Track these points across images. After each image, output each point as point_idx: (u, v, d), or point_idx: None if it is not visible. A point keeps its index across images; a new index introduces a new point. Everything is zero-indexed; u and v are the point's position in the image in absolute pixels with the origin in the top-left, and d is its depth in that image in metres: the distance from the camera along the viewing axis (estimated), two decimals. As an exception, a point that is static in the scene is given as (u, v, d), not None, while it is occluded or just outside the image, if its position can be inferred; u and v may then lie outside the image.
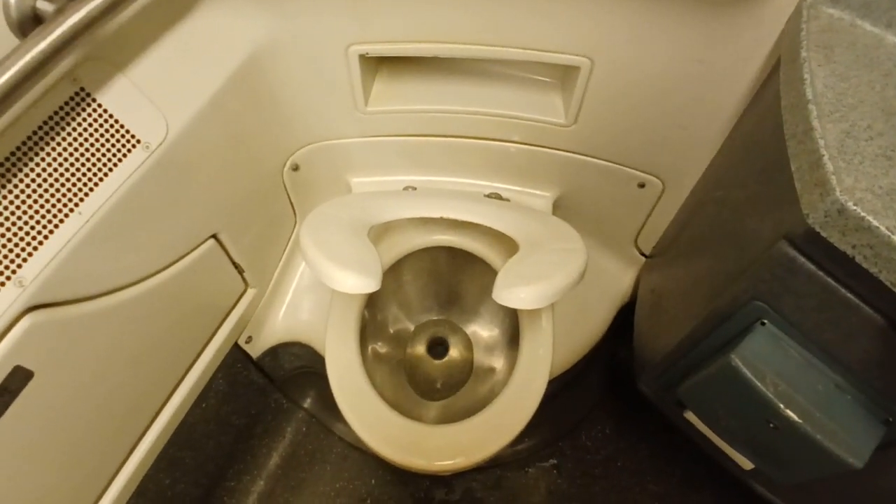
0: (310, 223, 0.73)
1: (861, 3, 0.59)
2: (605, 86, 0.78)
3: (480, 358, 0.99)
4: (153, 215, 0.66)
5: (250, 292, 0.93)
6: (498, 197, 0.94)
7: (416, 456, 0.73)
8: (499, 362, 0.95)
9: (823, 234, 0.48)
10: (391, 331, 1.01)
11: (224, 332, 0.87)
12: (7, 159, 0.53)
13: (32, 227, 0.54)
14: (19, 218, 0.53)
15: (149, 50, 0.63)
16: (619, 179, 0.91)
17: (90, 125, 0.58)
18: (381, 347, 0.97)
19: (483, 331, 1.01)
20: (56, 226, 0.55)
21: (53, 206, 0.55)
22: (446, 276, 0.99)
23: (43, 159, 0.55)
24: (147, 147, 0.62)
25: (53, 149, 0.56)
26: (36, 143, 0.55)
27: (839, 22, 0.60)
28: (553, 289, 0.64)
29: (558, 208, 0.99)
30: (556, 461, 1.09)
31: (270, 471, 1.06)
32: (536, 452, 1.09)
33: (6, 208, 0.52)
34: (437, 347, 1.01)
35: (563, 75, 0.86)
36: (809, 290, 0.55)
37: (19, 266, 0.53)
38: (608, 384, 1.15)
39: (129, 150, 0.61)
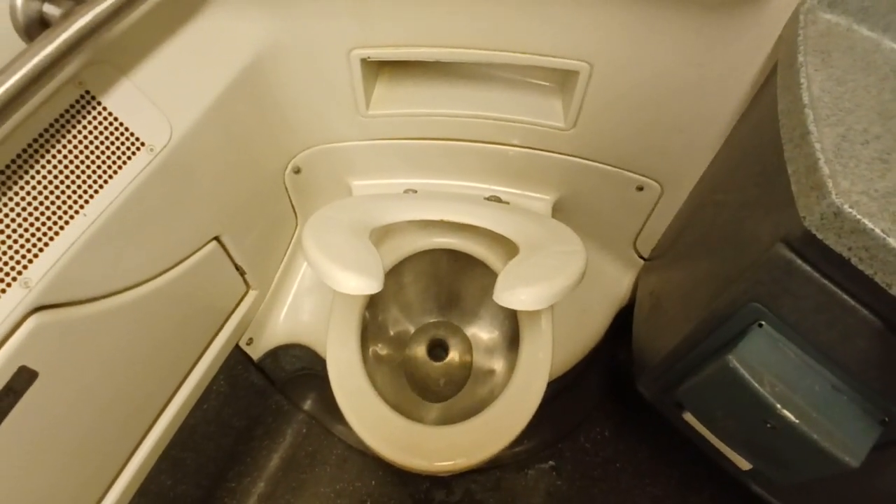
0: (312, 225, 0.74)
1: (858, 7, 0.59)
2: (604, 90, 0.78)
3: (480, 360, 0.99)
4: (157, 217, 0.67)
5: (252, 294, 0.93)
6: (498, 200, 0.95)
7: (417, 457, 0.73)
8: (499, 364, 0.96)
9: (820, 236, 0.48)
10: (392, 333, 1.01)
11: (225, 334, 0.88)
12: (13, 161, 0.53)
13: (38, 229, 0.54)
14: (25, 220, 0.54)
15: (153, 54, 0.64)
16: (617, 183, 0.92)
17: (95, 128, 0.59)
18: (382, 349, 0.98)
19: (483, 333, 1.01)
20: (62, 227, 0.56)
21: (59, 207, 0.56)
22: (447, 279, 1.00)
23: (49, 161, 0.56)
24: (151, 150, 0.63)
25: (59, 151, 0.57)
26: (42, 146, 0.55)
27: (836, 27, 0.61)
28: (553, 290, 0.65)
29: (558, 211, 1.00)
30: (555, 463, 1.09)
31: (271, 472, 1.06)
32: (536, 454, 1.09)
33: (12, 210, 0.53)
34: (438, 349, 1.02)
35: (563, 79, 0.86)
36: (807, 293, 0.55)
37: (25, 267, 0.53)
38: (607, 386, 1.16)
39: (133, 153, 0.62)
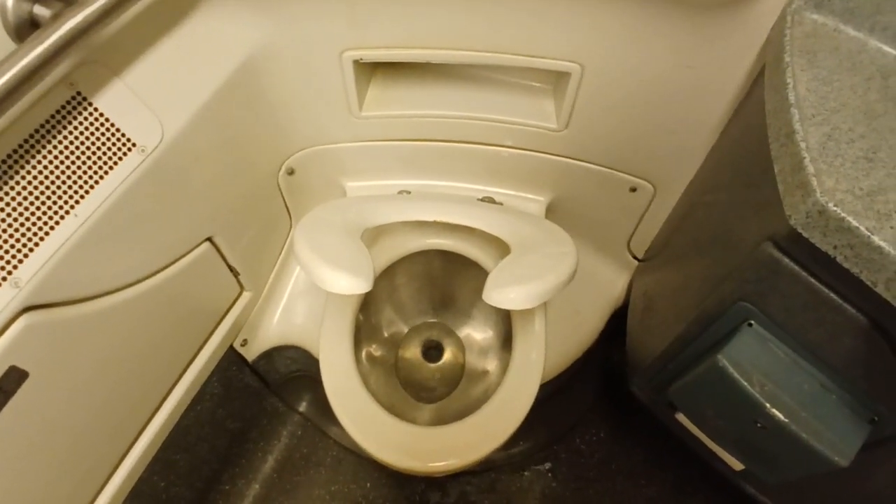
0: (304, 226, 0.74)
1: (844, 8, 0.60)
2: (596, 91, 0.79)
3: (474, 361, 0.99)
4: (149, 218, 0.67)
5: (245, 296, 0.93)
6: (491, 201, 0.95)
7: (410, 457, 0.73)
8: (492, 365, 0.96)
9: (805, 234, 0.49)
10: (385, 334, 1.01)
11: (219, 336, 0.88)
12: (4, 162, 0.53)
13: (29, 229, 0.55)
14: (16, 220, 0.54)
15: (145, 54, 0.64)
16: (610, 184, 0.92)
17: (86, 129, 0.59)
18: (376, 350, 0.98)
19: (476, 333, 1.01)
20: (52, 227, 0.56)
21: (50, 208, 0.56)
22: (440, 280, 1.00)
23: (40, 162, 0.56)
24: (143, 151, 0.63)
25: (50, 152, 0.57)
26: (33, 146, 0.56)
27: (823, 27, 0.61)
28: (542, 289, 0.65)
29: (551, 212, 1.00)
30: (550, 464, 1.09)
31: (265, 474, 1.06)
32: (531, 456, 1.09)
33: (3, 210, 0.53)
34: (432, 351, 1.02)
35: (555, 81, 0.87)
36: (794, 291, 0.55)
37: (15, 267, 0.54)
38: (602, 388, 1.16)
39: (124, 154, 0.62)
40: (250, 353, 1.02)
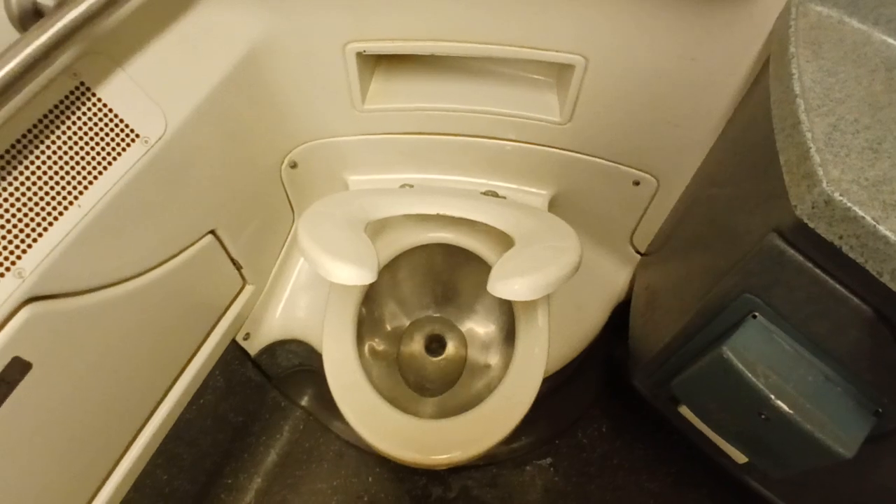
0: (307, 218, 0.74)
1: (848, 1, 0.60)
2: (599, 84, 0.79)
3: (476, 355, 0.99)
4: (151, 210, 0.67)
5: (248, 289, 0.93)
6: (494, 194, 0.95)
7: (413, 450, 0.73)
8: (494, 359, 0.96)
9: (811, 224, 0.49)
10: (388, 328, 1.01)
11: (221, 329, 0.88)
12: (7, 152, 0.53)
13: (32, 219, 0.55)
14: (19, 210, 0.54)
15: (148, 45, 0.64)
16: (614, 177, 0.92)
17: (89, 119, 0.59)
18: (378, 344, 0.98)
19: (479, 327, 1.01)
20: (56, 218, 0.56)
21: (53, 198, 0.56)
22: (443, 273, 1.00)
23: (43, 152, 0.56)
24: (146, 142, 0.63)
25: (53, 142, 0.57)
26: (36, 137, 0.56)
27: (827, 19, 0.61)
28: (547, 280, 0.65)
29: (554, 206, 1.00)
30: (552, 459, 1.09)
31: (267, 468, 1.07)
32: (533, 450, 1.09)
33: (6, 200, 0.53)
34: (434, 345, 1.02)
35: (559, 73, 0.87)
36: (799, 283, 0.55)
37: (18, 257, 0.54)
38: (604, 383, 1.16)
39: (128, 145, 0.62)
40: (253, 347, 1.02)
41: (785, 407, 0.57)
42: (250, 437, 1.06)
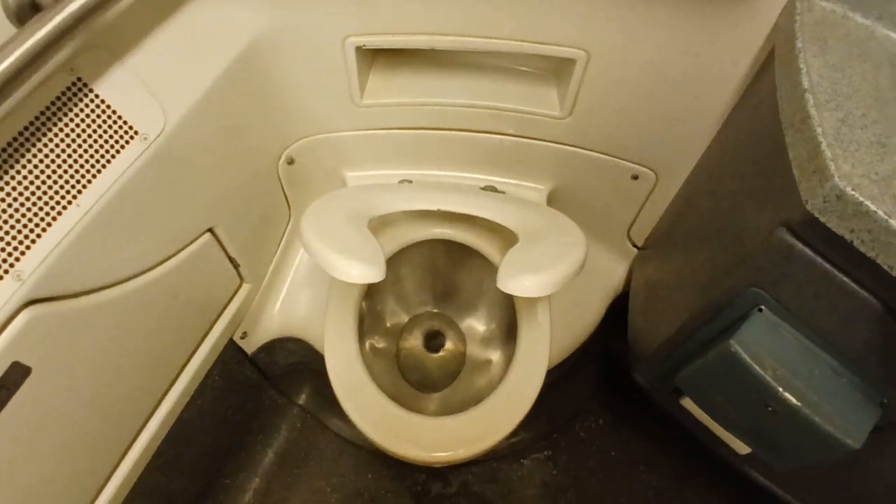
0: (310, 215, 0.73)
1: (851, -3, 0.60)
2: (600, 78, 0.78)
3: (476, 351, 0.99)
4: (151, 208, 0.65)
5: (245, 287, 0.92)
6: (493, 189, 0.95)
7: (417, 448, 0.73)
8: (495, 355, 0.96)
9: (822, 219, 0.49)
10: (388, 324, 1.01)
11: (219, 328, 0.87)
12: (3, 150, 0.52)
13: (30, 220, 0.53)
14: (17, 210, 0.52)
15: (146, 40, 0.63)
16: (613, 171, 0.92)
17: (88, 116, 0.58)
18: (379, 341, 0.97)
19: (479, 324, 1.01)
20: (54, 217, 0.55)
21: (52, 197, 0.55)
22: (443, 270, 0.99)
23: (40, 150, 0.54)
24: (145, 139, 0.62)
25: (51, 140, 0.55)
26: (33, 134, 0.54)
27: (832, 14, 0.61)
28: (557, 277, 0.65)
29: (552, 201, 1.00)
30: (550, 453, 1.10)
31: (266, 467, 1.06)
32: (532, 444, 1.10)
33: (3, 200, 0.52)
34: (433, 341, 1.02)
35: (558, 68, 0.86)
36: (807, 277, 0.56)
37: (17, 259, 0.52)
38: (602, 377, 1.16)
39: (127, 142, 0.60)
40: (250, 346, 1.01)
41: (793, 399, 0.57)
42: (249, 436, 1.05)
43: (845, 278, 0.53)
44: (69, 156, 0.56)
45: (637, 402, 1.00)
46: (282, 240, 1.03)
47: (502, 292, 0.67)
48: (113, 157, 0.60)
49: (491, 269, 0.89)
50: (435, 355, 1.00)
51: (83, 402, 0.65)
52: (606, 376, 1.15)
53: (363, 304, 0.87)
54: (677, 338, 0.75)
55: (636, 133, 0.86)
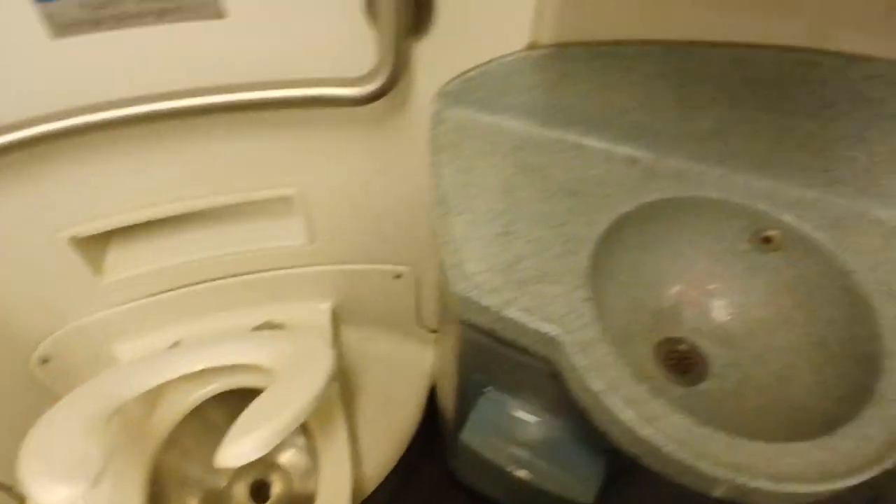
0: (32, 434, 0.68)
1: (476, 99, 0.68)
2: (325, 205, 0.83)
3: (301, 485, 0.96)
4: None
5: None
6: (270, 325, 0.95)
7: None
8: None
9: (466, 318, 0.53)
10: (204, 491, 0.95)
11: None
12: None
13: None
14: None
15: None
16: (376, 277, 0.96)
17: None
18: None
19: (295, 456, 0.99)
20: None
21: None
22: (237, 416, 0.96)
23: None
24: None
25: None
26: None
27: (464, 118, 0.69)
28: (273, 431, 0.64)
29: (341, 314, 1.02)
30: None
31: None
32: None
33: None
34: (260, 492, 0.98)
35: (288, 202, 0.90)
36: (498, 359, 0.60)
37: None
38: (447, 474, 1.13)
39: None
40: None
41: (524, 475, 0.60)
42: None
43: (518, 355, 0.57)
44: None
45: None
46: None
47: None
48: None
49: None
50: (267, 504, 0.96)
51: None
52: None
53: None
54: (452, 426, 0.78)
55: (380, 239, 0.91)
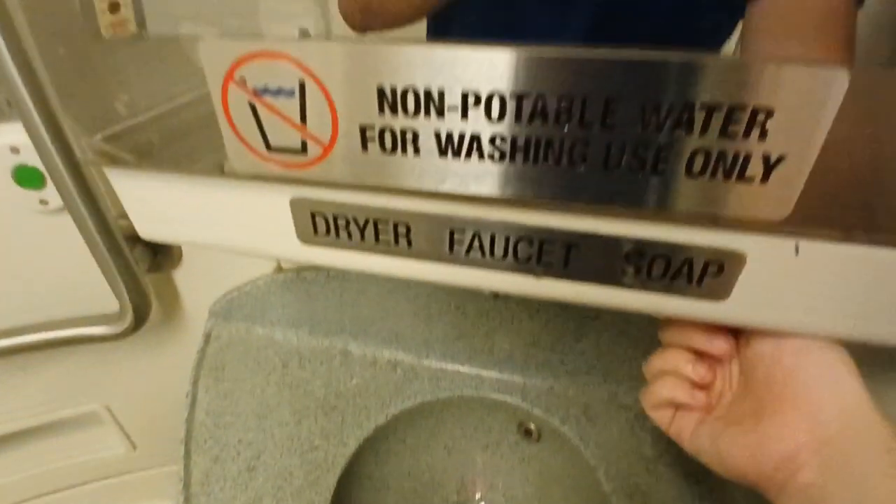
0: None
1: (248, 314, 0.69)
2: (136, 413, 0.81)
3: None
4: None
5: None
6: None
7: None
8: None
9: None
10: None
11: None
12: None
13: None
14: None
15: None
16: None
17: None
18: None
19: None
20: None
21: None
22: None
23: None
24: None
25: None
26: None
27: (237, 333, 0.69)
28: None
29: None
30: None
31: None
32: None
33: None
34: None
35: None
36: None
37: None
38: None
39: None
40: None
41: None
42: None
43: None
44: None
45: None
46: None
47: None
48: None
49: None
50: None
51: None
52: None
53: None
54: None
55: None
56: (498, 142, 0.25)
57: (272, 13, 0.64)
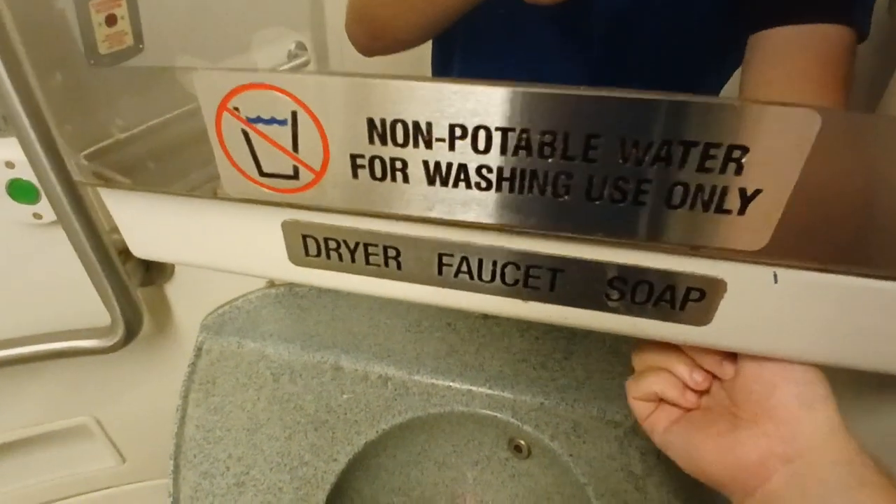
0: None
1: (238, 328, 0.69)
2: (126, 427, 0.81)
3: None
4: None
5: None
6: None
7: None
8: None
9: None
10: None
11: None
12: None
13: None
14: None
15: None
16: None
17: None
18: None
19: None
20: None
21: None
22: None
23: None
24: None
25: None
26: None
27: (228, 347, 0.70)
28: None
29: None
30: None
31: None
32: None
33: None
34: None
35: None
36: None
37: None
38: None
39: None
40: None
41: None
42: None
43: None
44: None
45: None
46: None
47: None
48: None
49: None
50: None
51: None
52: None
53: None
54: None
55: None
56: (484, 172, 0.26)
57: (267, 27, 0.65)
